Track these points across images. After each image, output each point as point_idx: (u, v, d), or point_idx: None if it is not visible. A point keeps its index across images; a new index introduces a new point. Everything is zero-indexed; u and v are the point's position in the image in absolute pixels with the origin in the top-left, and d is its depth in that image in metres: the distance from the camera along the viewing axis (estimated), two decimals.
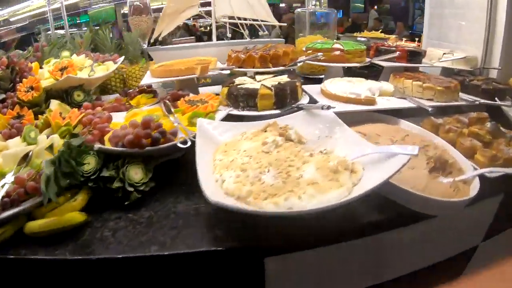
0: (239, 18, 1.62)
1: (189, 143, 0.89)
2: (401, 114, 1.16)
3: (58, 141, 0.95)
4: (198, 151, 0.85)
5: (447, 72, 1.63)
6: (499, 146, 0.97)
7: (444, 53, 1.63)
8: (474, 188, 0.79)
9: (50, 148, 0.89)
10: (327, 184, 0.68)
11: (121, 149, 0.91)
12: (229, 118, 1.11)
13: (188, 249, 0.69)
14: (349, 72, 1.54)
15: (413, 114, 1.18)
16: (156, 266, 0.70)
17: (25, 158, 0.88)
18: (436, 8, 1.93)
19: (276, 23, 1.68)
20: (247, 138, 0.89)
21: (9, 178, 0.81)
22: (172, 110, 1.06)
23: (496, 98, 1.26)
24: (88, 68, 1.30)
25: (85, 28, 2.10)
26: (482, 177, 0.83)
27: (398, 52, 1.50)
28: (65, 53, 1.40)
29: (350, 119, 1.08)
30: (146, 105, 1.30)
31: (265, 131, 0.91)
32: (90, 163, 0.89)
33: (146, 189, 0.88)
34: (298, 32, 1.86)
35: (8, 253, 0.69)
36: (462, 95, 1.33)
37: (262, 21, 1.64)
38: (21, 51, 1.49)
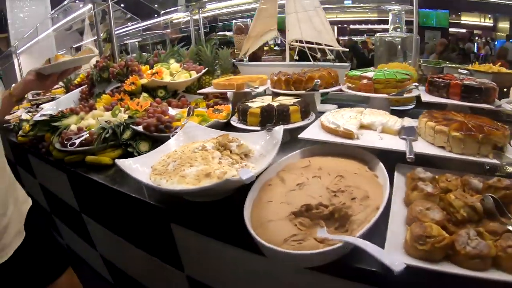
0: (307, 42, 1.76)
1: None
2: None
3: None
4: (169, 141, 1.17)
5: None
6: (461, 236, 0.70)
7: None
8: None
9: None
10: (189, 180, 0.92)
11: (140, 130, 1.33)
12: (229, 127, 1.36)
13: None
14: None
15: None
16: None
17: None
18: None
19: (339, 48, 1.71)
20: (203, 141, 1.14)
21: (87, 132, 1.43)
22: (191, 113, 1.41)
23: None
24: (177, 75, 1.80)
25: None
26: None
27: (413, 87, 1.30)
28: (171, 61, 1.98)
29: (330, 148, 1.12)
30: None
31: (216, 138, 1.13)
32: (126, 134, 1.37)
33: None
34: (378, 58, 1.81)
35: (76, 169, 1.37)
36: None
37: (326, 45, 1.72)
38: (145, 54, 2.18)
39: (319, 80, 1.40)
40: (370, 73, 1.41)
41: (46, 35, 3.52)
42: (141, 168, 1.04)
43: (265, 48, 3.82)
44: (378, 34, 1.80)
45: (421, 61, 2.28)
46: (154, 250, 1.27)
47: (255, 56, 2.41)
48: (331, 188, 0.87)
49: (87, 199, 1.51)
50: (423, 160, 1.04)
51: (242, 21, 2.15)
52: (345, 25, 6.22)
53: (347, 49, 1.77)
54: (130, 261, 1.48)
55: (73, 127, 1.51)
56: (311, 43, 1.78)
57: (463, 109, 1.36)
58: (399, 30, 1.81)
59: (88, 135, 1.40)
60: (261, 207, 0.85)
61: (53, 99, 2.35)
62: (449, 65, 2.05)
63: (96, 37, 2.55)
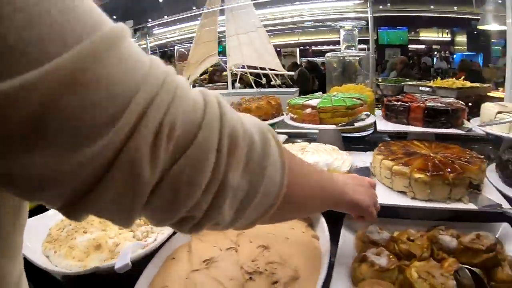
0: (249, 67, 1.51)
1: None
2: None
3: None
4: None
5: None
6: None
7: (498, 112, 1.03)
8: None
9: None
10: (76, 253, 0.68)
11: None
12: None
13: None
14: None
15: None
16: None
17: None
18: None
19: (284, 72, 1.47)
20: None
21: None
22: None
23: None
24: None
25: None
26: None
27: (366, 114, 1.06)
28: None
29: None
30: None
31: None
32: None
33: None
34: (329, 80, 1.56)
35: None
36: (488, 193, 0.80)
37: (270, 69, 1.47)
38: None
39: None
40: (315, 100, 1.14)
41: None
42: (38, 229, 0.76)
43: (224, 73, 3.56)
44: (329, 54, 1.55)
45: (380, 80, 2.07)
46: None
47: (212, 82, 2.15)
48: (246, 268, 0.61)
49: None
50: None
51: (185, 47, 1.88)
52: (307, 47, 6.10)
53: (293, 73, 1.52)
54: None
55: None
56: (256, 68, 1.52)
57: (427, 135, 1.12)
58: (352, 48, 1.58)
59: None
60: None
61: None
62: (410, 83, 1.83)
63: None
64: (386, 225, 0.72)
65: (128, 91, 0.22)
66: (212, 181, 0.26)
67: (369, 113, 1.02)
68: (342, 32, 1.53)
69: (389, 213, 0.78)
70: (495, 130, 1.05)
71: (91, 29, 0.21)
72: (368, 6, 1.83)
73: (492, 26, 2.09)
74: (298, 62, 5.26)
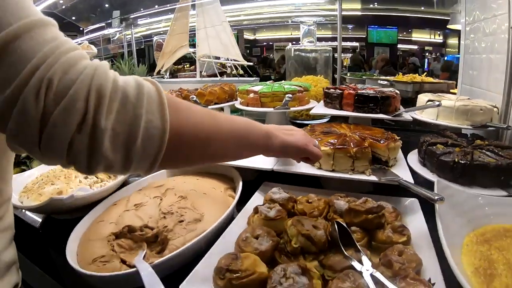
0: (214, 57, 1.65)
1: None
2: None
3: None
4: None
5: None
6: (276, 273, 0.55)
7: (429, 100, 1.14)
8: None
9: None
10: (43, 198, 0.86)
11: None
12: None
13: None
14: None
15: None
16: None
17: None
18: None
19: (244, 62, 1.60)
20: None
21: None
22: None
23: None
24: None
25: None
26: None
27: (289, 96, 1.16)
28: None
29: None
30: None
31: None
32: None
33: None
34: (289, 72, 1.69)
35: None
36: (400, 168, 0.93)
37: (234, 60, 1.60)
38: None
39: (194, 96, 1.26)
40: (258, 86, 1.28)
41: None
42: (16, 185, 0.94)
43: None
44: (289, 46, 1.68)
45: (348, 74, 2.19)
46: None
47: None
48: (162, 209, 0.77)
49: None
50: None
51: (162, 38, 2.03)
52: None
53: (252, 63, 1.65)
54: None
55: None
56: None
57: (364, 121, 1.25)
58: (312, 43, 1.70)
59: None
60: (92, 226, 0.77)
61: None
62: (371, 77, 1.95)
63: None
64: (300, 192, 0.85)
65: (31, 57, 0.34)
66: (84, 123, 0.35)
67: (291, 96, 1.15)
68: (303, 27, 1.66)
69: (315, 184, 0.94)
70: (424, 117, 1.18)
71: (16, 19, 0.34)
72: (338, 4, 1.93)
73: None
74: None
